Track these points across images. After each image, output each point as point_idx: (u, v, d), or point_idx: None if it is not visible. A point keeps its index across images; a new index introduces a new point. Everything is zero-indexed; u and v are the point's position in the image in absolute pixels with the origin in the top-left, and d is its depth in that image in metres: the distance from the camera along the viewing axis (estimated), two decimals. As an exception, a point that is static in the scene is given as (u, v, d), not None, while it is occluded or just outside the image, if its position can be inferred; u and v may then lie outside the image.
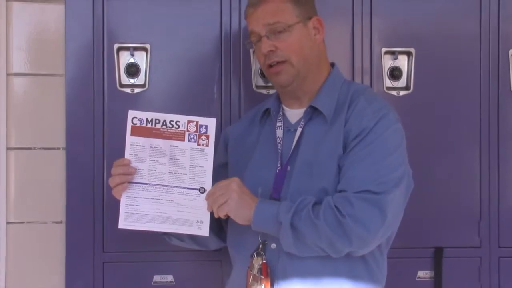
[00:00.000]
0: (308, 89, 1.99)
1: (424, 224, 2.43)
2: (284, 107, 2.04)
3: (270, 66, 1.97)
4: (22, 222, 2.39)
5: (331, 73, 2.02)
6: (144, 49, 2.36)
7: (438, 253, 2.42)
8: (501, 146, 2.47)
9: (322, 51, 2.03)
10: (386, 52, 2.45)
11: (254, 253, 1.89)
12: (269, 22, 1.94)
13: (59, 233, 2.37)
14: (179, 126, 1.90)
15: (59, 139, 2.37)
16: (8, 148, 2.38)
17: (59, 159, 2.37)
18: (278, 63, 1.95)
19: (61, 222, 2.38)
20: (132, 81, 2.37)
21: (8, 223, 2.38)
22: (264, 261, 1.88)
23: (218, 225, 2.03)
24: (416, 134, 2.32)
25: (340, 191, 1.83)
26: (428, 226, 2.44)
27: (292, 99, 2.01)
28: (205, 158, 1.89)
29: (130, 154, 1.89)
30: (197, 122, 1.90)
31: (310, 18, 1.98)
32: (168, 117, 1.90)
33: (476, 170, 2.47)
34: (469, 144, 2.47)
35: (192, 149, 1.89)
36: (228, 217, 1.88)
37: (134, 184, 1.89)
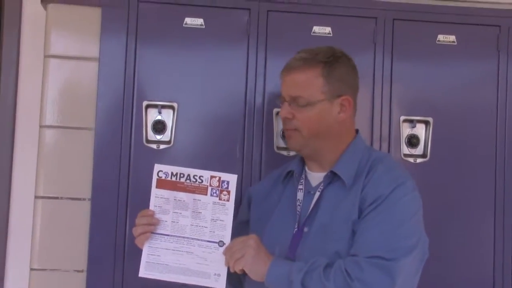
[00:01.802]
0: (327, 156, 2.02)
1: (438, 290, 2.45)
2: (307, 169, 2.08)
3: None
4: (45, 269, 2.41)
5: (354, 140, 2.05)
6: (171, 107, 2.44)
7: (451, 320, 2.44)
8: (515, 218, 2.50)
9: (344, 125, 2.02)
10: (404, 120, 2.51)
11: (269, 310, 1.92)
12: (293, 94, 1.99)
13: (80, 281, 2.40)
14: (202, 181, 1.96)
15: (85, 190, 2.42)
16: (36, 197, 2.43)
17: (84, 210, 2.42)
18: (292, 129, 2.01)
19: (82, 271, 2.41)
20: (158, 137, 2.44)
21: (31, 269, 2.41)
22: (278, 318, 1.90)
23: (237, 279, 2.06)
24: (431, 201, 2.34)
25: (352, 255, 1.86)
26: (442, 292, 2.46)
27: (313, 162, 2.06)
28: (225, 213, 1.95)
29: (154, 205, 1.96)
30: (219, 178, 1.96)
31: (339, 96, 2.00)
32: (192, 171, 1.97)
33: (490, 239, 2.49)
34: (484, 213, 2.50)
35: (214, 203, 1.95)
36: (244, 273, 1.91)
37: (157, 235, 1.95)
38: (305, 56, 2.00)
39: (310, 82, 1.98)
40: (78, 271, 2.43)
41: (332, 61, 2.00)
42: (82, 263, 2.42)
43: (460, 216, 2.50)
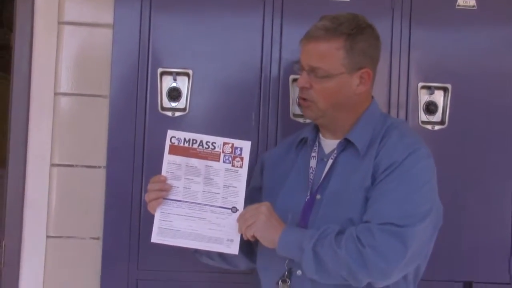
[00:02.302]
0: (342, 124, 2.00)
1: (455, 258, 2.43)
2: (320, 136, 2.07)
3: (303, 98, 2.01)
4: (61, 237, 2.44)
5: (369, 107, 2.03)
6: (187, 74, 2.42)
7: (468, 287, 2.43)
8: (534, 185, 2.48)
9: (362, 97, 2.00)
10: (422, 87, 2.48)
11: (280, 280, 1.93)
12: (313, 65, 1.95)
13: (96, 249, 2.42)
14: (215, 147, 1.96)
15: (101, 158, 2.43)
16: (51, 165, 2.44)
17: (99, 177, 2.43)
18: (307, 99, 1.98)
19: (98, 238, 2.43)
20: (173, 104, 2.43)
21: (48, 236, 2.43)
22: (289, 288, 1.91)
23: (249, 246, 2.06)
24: (449, 168, 2.34)
25: (365, 222, 1.85)
26: (459, 260, 2.45)
27: (327, 130, 2.04)
28: (238, 179, 1.95)
29: (167, 171, 1.96)
30: (232, 144, 1.96)
31: (359, 69, 1.96)
32: (205, 138, 1.97)
33: (508, 206, 2.47)
34: (502, 180, 2.48)
35: (227, 170, 1.95)
36: (256, 240, 1.92)
37: (169, 201, 1.96)
38: (328, 26, 1.95)
39: (331, 54, 1.94)
40: (94, 238, 2.45)
41: (355, 33, 1.95)
42: (98, 231, 2.43)
43: (478, 183, 2.48)
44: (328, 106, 1.96)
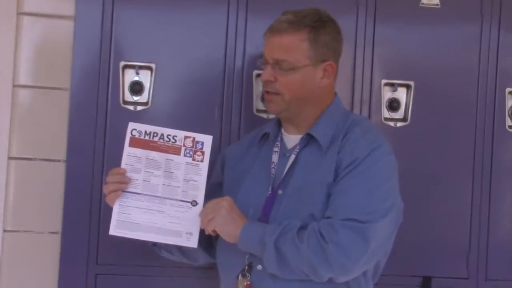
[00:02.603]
0: (305, 119, 2.01)
1: (414, 253, 2.46)
2: (283, 131, 2.07)
3: (267, 91, 2.01)
4: (19, 231, 2.40)
5: (332, 103, 2.04)
6: (149, 68, 2.40)
7: (427, 282, 2.45)
8: (493, 181, 2.52)
9: (326, 90, 2.02)
10: (385, 84, 2.50)
11: (240, 274, 1.92)
12: (277, 58, 1.96)
13: (54, 243, 2.38)
14: (176, 141, 1.95)
15: (60, 151, 2.39)
16: (9, 158, 2.40)
17: (59, 171, 2.39)
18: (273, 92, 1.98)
19: (57, 232, 2.39)
20: (135, 98, 2.41)
21: (5, 231, 2.39)
22: (249, 282, 1.91)
23: (209, 241, 2.05)
24: (410, 165, 2.36)
25: (327, 218, 1.85)
26: (418, 255, 2.47)
27: (290, 125, 2.04)
28: (199, 173, 1.94)
29: (126, 164, 1.95)
30: (193, 138, 1.96)
31: (323, 61, 1.98)
32: (166, 131, 1.96)
33: (467, 203, 2.50)
34: (462, 177, 2.51)
35: (187, 163, 1.94)
36: (217, 234, 1.91)
37: (128, 193, 1.94)
38: (292, 19, 1.97)
39: (296, 46, 1.95)
40: (52, 232, 2.41)
41: (319, 25, 1.97)
42: (57, 225, 2.39)
43: (439, 180, 2.51)
44: (292, 99, 1.96)
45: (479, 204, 2.50)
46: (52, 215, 2.39)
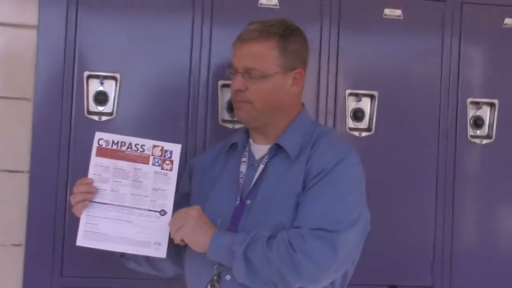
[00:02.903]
0: (274, 128, 2.01)
1: (380, 262, 2.47)
2: (251, 141, 2.07)
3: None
4: (-19, 244, 2.37)
5: (300, 114, 2.05)
6: (114, 78, 2.38)
7: (392, 291, 2.48)
8: (456, 189, 2.55)
9: (294, 99, 2.03)
10: (350, 94, 2.52)
11: (209, 284, 1.91)
12: (248, 66, 1.96)
13: (18, 256, 2.35)
14: (144, 150, 1.94)
15: (24, 162, 2.36)
16: (-28, 169, 2.37)
17: (22, 182, 2.36)
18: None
19: (20, 245, 2.36)
20: (100, 108, 2.39)
21: (-34, 243, 2.36)
22: (218, 292, 1.90)
23: (177, 252, 2.04)
24: (375, 174, 2.36)
25: (296, 227, 1.86)
26: (384, 264, 2.49)
27: (259, 134, 2.05)
28: (168, 182, 1.93)
29: (93, 174, 1.92)
30: (162, 147, 1.94)
31: (293, 69, 2.00)
32: (134, 140, 1.94)
33: (431, 211, 2.53)
34: (426, 186, 2.54)
35: (156, 172, 1.93)
36: (186, 244, 1.90)
37: (95, 204, 1.92)
38: (260, 28, 1.99)
39: (266, 54, 1.96)
40: (15, 245, 2.37)
41: (287, 33, 1.99)
42: (20, 237, 2.36)
43: (403, 189, 2.53)
44: (264, 107, 1.97)
45: (442, 212, 2.54)
46: (15, 227, 2.36)
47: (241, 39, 2.00)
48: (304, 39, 2.05)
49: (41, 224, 2.33)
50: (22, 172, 2.38)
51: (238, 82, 1.98)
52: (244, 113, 2.00)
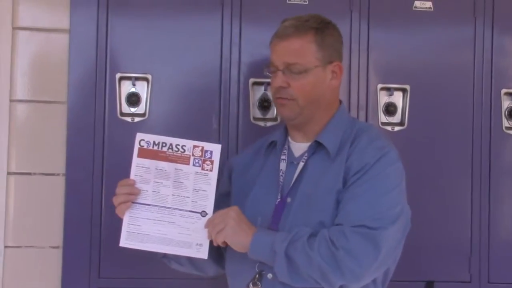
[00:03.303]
0: (315, 125, 2.01)
1: (416, 258, 2.45)
2: (290, 139, 2.06)
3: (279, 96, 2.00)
4: (20, 247, 2.39)
5: (338, 110, 2.04)
6: (146, 79, 2.40)
7: (429, 287, 2.46)
8: (492, 183, 2.52)
9: (334, 93, 2.04)
10: (382, 88, 2.50)
11: (251, 283, 1.92)
12: (289, 61, 1.96)
13: (56, 258, 2.38)
14: (184, 150, 1.94)
15: (59, 165, 2.39)
16: (8, 173, 2.39)
17: (58, 185, 2.39)
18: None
19: (58, 247, 2.39)
20: (132, 110, 2.41)
21: (6, 247, 2.38)
22: (260, 291, 1.90)
23: (218, 252, 2.04)
24: (409, 169, 2.34)
25: (337, 225, 1.85)
26: (420, 260, 2.47)
27: (298, 132, 2.04)
28: (208, 183, 1.93)
29: (135, 175, 1.93)
30: (202, 147, 1.94)
31: (331, 62, 1.99)
32: (175, 141, 1.94)
33: (467, 205, 2.51)
34: (461, 180, 2.52)
35: (196, 173, 1.93)
36: (227, 245, 1.90)
37: (138, 205, 1.92)
38: (295, 23, 1.99)
39: (305, 48, 1.96)
40: (53, 247, 2.41)
41: (322, 27, 2.00)
42: (58, 239, 2.39)
43: (438, 183, 2.51)
44: (307, 102, 1.96)
45: (478, 206, 2.51)
46: (53, 230, 2.39)
47: (278, 36, 2.00)
48: (338, 33, 2.05)
49: (78, 225, 2.35)
50: (58, 175, 2.41)
51: (279, 79, 1.97)
52: (288, 110, 1.99)
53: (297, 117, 1.99)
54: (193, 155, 1.93)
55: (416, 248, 2.43)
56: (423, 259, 2.48)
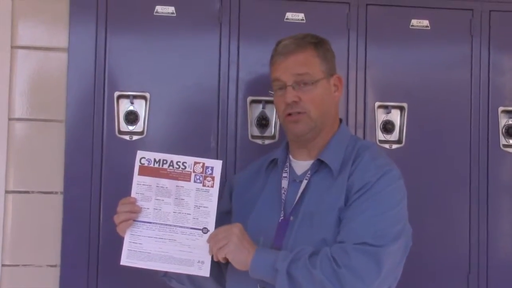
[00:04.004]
0: (319, 141, 2.02)
1: (415, 276, 2.43)
2: (291, 157, 2.07)
3: (289, 114, 2.00)
4: (17, 265, 2.39)
5: (340, 128, 2.06)
6: (144, 97, 2.40)
7: (428, 304, 2.45)
8: (490, 201, 2.52)
9: (337, 107, 2.07)
10: (379, 106, 2.51)
11: (252, 301, 1.91)
12: (299, 72, 1.98)
13: (53, 277, 2.37)
14: (185, 167, 1.93)
15: (57, 183, 2.39)
16: (6, 191, 2.39)
17: (56, 203, 2.39)
18: (298, 113, 1.98)
19: (56, 266, 2.38)
20: (131, 128, 2.41)
21: (3, 265, 2.38)
22: (261, 309, 1.89)
23: (219, 270, 2.04)
24: (407, 186, 2.33)
25: (339, 242, 1.85)
26: (419, 278, 2.46)
27: (303, 150, 2.04)
28: (209, 199, 1.92)
29: (136, 193, 1.93)
30: (203, 164, 1.94)
31: (332, 75, 2.03)
32: (175, 158, 1.94)
33: (465, 223, 2.51)
34: (459, 198, 2.52)
35: (198, 189, 1.92)
36: (228, 262, 1.90)
37: (139, 223, 1.92)
38: (294, 41, 2.02)
39: (310, 60, 2.00)
40: (51, 266, 2.40)
41: (319, 42, 2.04)
42: (56, 258, 2.38)
43: (436, 201, 2.51)
44: (318, 114, 1.98)
45: (477, 224, 2.51)
46: (50, 248, 2.39)
47: (281, 54, 2.01)
48: (331, 48, 2.09)
49: (75, 244, 2.35)
50: (56, 193, 2.41)
51: (290, 94, 1.98)
52: (302, 125, 1.99)
53: (310, 131, 1.99)
54: (194, 171, 1.93)
55: (415, 265, 2.41)
56: (422, 277, 2.47)
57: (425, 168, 2.51)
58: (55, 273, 2.38)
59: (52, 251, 2.38)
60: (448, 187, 2.52)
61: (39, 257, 2.40)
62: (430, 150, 2.52)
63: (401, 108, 2.51)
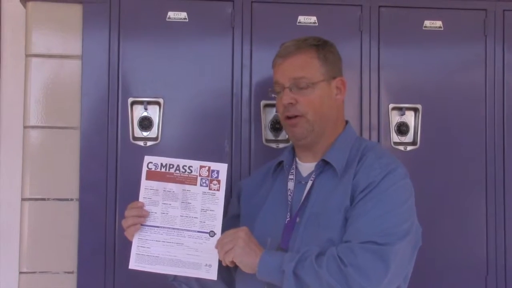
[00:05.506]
0: (323, 144, 2.03)
1: (432, 278, 2.44)
2: (297, 160, 2.08)
3: (288, 117, 2.02)
4: (34, 272, 2.39)
5: (345, 129, 2.07)
6: (157, 103, 2.41)
7: (445, 306, 2.44)
8: (507, 202, 2.51)
9: (340, 110, 2.07)
10: (393, 108, 2.50)
11: (260, 303, 1.91)
12: (295, 76, 1.99)
13: (70, 283, 2.38)
14: (191, 171, 1.95)
15: (73, 190, 2.40)
16: (23, 199, 2.40)
17: (72, 210, 2.39)
18: (296, 116, 2.00)
19: (73, 272, 2.39)
20: (145, 134, 2.42)
21: (21, 273, 2.38)
22: (269, 311, 1.89)
23: (228, 273, 2.05)
24: (422, 188, 2.34)
25: (345, 242, 1.85)
26: (436, 279, 2.45)
27: (306, 152, 2.05)
28: (216, 202, 1.94)
29: (144, 197, 1.95)
30: (209, 167, 1.96)
31: (334, 77, 2.03)
32: (182, 162, 1.96)
33: (482, 224, 2.49)
34: (475, 199, 2.50)
35: (204, 193, 1.94)
36: (236, 265, 1.90)
37: (147, 227, 1.94)
38: (295, 43, 2.04)
39: (309, 63, 2.01)
40: (68, 272, 2.40)
41: (322, 44, 2.05)
42: (72, 265, 2.39)
43: (452, 202, 2.50)
44: (316, 117, 1.99)
45: (494, 225, 2.49)
46: (67, 255, 2.39)
47: (281, 56, 2.04)
48: (337, 51, 2.10)
49: (92, 250, 2.36)
50: (71, 200, 2.41)
51: (287, 96, 2.00)
52: (300, 128, 2.00)
53: (309, 134, 2.00)
54: (200, 175, 1.95)
55: (432, 267, 2.42)
56: (438, 278, 2.46)
57: (441, 169, 2.50)
58: (72, 279, 2.38)
59: (69, 258, 2.39)
60: (464, 188, 2.50)
61: (56, 263, 2.40)
62: (445, 151, 2.51)
63: (415, 110, 2.50)
